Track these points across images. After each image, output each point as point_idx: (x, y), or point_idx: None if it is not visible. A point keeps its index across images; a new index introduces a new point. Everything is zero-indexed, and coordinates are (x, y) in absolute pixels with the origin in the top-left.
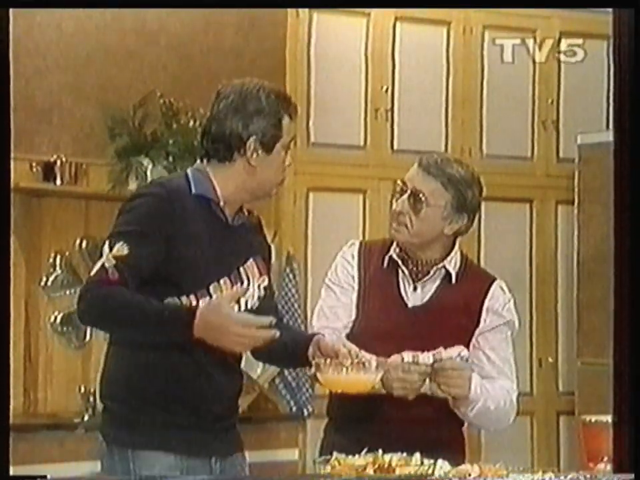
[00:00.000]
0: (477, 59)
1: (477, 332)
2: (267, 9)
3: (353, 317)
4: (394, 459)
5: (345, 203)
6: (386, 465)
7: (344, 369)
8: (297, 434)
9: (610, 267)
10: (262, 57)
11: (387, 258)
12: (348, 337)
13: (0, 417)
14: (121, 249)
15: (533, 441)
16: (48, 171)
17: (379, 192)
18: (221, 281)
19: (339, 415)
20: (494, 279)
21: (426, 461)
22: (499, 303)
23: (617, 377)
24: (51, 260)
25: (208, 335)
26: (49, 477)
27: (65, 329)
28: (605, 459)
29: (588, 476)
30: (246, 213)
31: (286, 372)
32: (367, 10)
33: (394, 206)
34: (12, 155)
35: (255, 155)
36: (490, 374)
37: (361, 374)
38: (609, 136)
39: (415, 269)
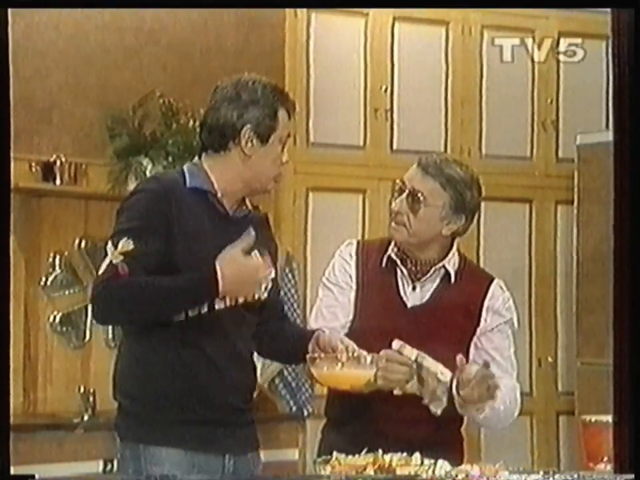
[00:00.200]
0: (476, 59)
1: (477, 332)
2: (266, 9)
3: (351, 316)
4: (394, 459)
5: (344, 203)
6: (386, 465)
7: (339, 364)
8: (297, 434)
9: (609, 266)
10: (261, 56)
11: (385, 257)
12: (346, 336)
13: (0, 417)
14: (126, 244)
15: (533, 441)
16: (47, 171)
17: (379, 192)
18: None
19: (337, 415)
20: (493, 279)
21: (426, 461)
22: (499, 302)
23: (617, 377)
24: (51, 260)
25: (231, 287)
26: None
27: (64, 328)
28: (605, 459)
29: (588, 476)
30: (250, 207)
31: (286, 372)
32: (365, 10)
33: (393, 205)
34: (11, 154)
35: (249, 144)
36: (495, 374)
37: (354, 369)
38: (609, 136)
39: (413, 268)
